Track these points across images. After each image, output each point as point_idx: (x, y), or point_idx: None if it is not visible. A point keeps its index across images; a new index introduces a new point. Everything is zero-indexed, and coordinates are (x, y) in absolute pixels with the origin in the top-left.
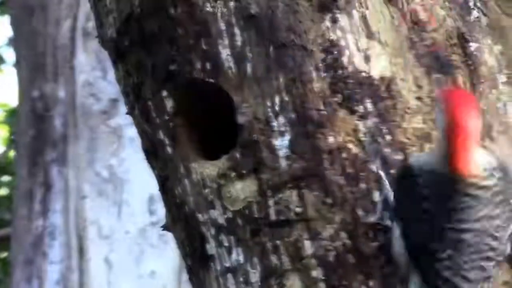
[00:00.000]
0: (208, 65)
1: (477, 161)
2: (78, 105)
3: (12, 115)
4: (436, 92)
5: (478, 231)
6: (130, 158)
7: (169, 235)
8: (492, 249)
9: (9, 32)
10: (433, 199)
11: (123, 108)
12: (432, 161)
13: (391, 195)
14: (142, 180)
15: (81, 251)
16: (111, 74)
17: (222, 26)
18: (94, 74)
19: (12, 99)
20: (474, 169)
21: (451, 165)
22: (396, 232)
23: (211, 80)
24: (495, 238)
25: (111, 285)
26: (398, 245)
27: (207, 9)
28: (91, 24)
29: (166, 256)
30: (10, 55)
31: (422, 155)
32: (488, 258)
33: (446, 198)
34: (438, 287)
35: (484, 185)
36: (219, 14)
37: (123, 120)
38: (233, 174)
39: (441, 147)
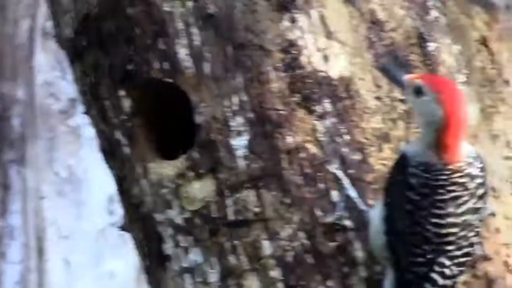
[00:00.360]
0: (166, 65)
1: (463, 150)
2: (37, 105)
3: None
4: (421, 81)
5: (463, 225)
6: (89, 158)
7: (129, 236)
8: (471, 244)
9: None
10: (419, 190)
11: (82, 108)
12: (420, 150)
13: (353, 193)
14: (101, 180)
15: (40, 251)
16: (71, 74)
17: (180, 25)
18: (53, 74)
19: None
20: (461, 157)
21: (442, 154)
22: (377, 214)
23: (169, 80)
24: (476, 234)
25: (70, 285)
26: (377, 228)
27: (165, 8)
28: (50, 24)
29: (126, 256)
30: None
31: (414, 143)
32: (467, 254)
33: (433, 189)
34: (410, 281)
35: (469, 173)
36: (177, 14)
37: (82, 119)
38: (191, 174)
39: (427, 136)
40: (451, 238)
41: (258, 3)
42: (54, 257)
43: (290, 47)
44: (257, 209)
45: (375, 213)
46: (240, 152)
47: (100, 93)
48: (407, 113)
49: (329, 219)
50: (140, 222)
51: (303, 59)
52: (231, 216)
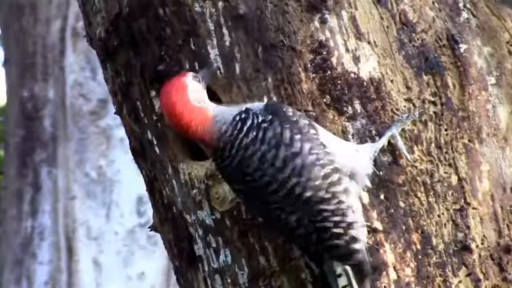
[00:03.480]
0: (196, 65)
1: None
2: (67, 106)
3: (1, 114)
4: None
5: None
6: (119, 159)
7: (158, 236)
8: None
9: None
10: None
11: (112, 108)
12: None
13: None
14: (131, 181)
15: (70, 252)
16: (101, 74)
17: (211, 26)
18: (83, 75)
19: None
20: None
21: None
22: None
23: None
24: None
25: (100, 286)
26: None
27: (196, 9)
28: (81, 24)
29: (155, 257)
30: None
31: None
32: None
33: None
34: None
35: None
36: (207, 14)
37: (112, 120)
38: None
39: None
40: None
41: (289, 4)
42: (84, 257)
43: (320, 48)
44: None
45: None
46: None
47: (131, 93)
48: (437, 115)
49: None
50: (170, 223)
51: (333, 60)
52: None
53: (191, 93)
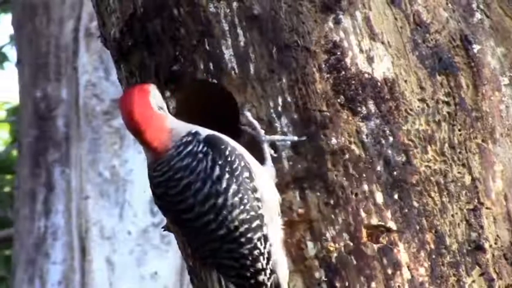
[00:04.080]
0: (211, 66)
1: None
2: (81, 106)
3: (14, 113)
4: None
5: None
6: (132, 159)
7: (171, 236)
8: None
9: (11, 30)
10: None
11: None
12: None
13: None
14: (144, 181)
15: (83, 251)
16: (114, 74)
17: (225, 26)
18: (96, 75)
19: (14, 97)
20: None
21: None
22: None
23: (214, 81)
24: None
25: (113, 285)
26: None
27: (211, 9)
28: (94, 24)
29: (168, 257)
30: (13, 54)
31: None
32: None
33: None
34: None
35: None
36: (222, 15)
37: None
38: None
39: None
40: None
41: (303, 4)
42: (97, 257)
43: (334, 48)
44: (301, 210)
45: None
46: (285, 153)
47: None
48: (450, 115)
49: (373, 220)
50: None
51: (347, 60)
52: None
53: (153, 98)
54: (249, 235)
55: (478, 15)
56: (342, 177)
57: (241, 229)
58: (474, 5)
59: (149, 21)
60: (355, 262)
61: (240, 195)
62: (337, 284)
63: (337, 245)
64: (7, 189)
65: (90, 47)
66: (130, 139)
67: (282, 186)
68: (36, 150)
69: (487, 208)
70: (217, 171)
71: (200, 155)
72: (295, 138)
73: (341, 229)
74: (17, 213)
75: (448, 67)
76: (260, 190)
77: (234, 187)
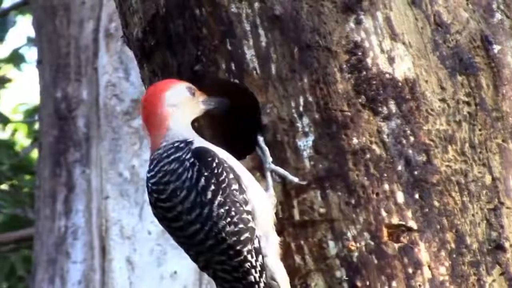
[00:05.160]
0: (233, 66)
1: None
2: (101, 106)
3: (32, 114)
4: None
5: None
6: None
7: None
8: None
9: (29, 32)
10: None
11: None
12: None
13: None
14: None
15: (103, 251)
16: (134, 75)
17: (247, 26)
18: (116, 75)
19: (32, 98)
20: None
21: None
22: None
23: (236, 81)
24: None
25: (133, 285)
26: None
27: (232, 9)
28: (114, 25)
29: (187, 257)
30: (30, 55)
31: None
32: None
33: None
34: None
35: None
36: (244, 15)
37: None
38: (257, 174)
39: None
40: None
41: (324, 4)
42: (117, 257)
43: (355, 49)
44: (322, 210)
45: None
46: (306, 153)
47: None
48: (471, 115)
49: (394, 220)
50: None
51: (368, 61)
52: (296, 217)
53: (171, 95)
54: (238, 248)
55: (498, 16)
56: (363, 176)
57: (229, 241)
58: (494, 6)
59: (172, 21)
60: (376, 261)
61: (226, 207)
62: (358, 283)
63: (358, 244)
64: (25, 189)
65: (110, 47)
66: None
67: (303, 186)
68: (57, 150)
69: (507, 207)
70: (202, 181)
71: (187, 164)
72: (296, 179)
73: (362, 228)
74: (37, 213)
75: (468, 67)
76: (251, 203)
77: (219, 198)
